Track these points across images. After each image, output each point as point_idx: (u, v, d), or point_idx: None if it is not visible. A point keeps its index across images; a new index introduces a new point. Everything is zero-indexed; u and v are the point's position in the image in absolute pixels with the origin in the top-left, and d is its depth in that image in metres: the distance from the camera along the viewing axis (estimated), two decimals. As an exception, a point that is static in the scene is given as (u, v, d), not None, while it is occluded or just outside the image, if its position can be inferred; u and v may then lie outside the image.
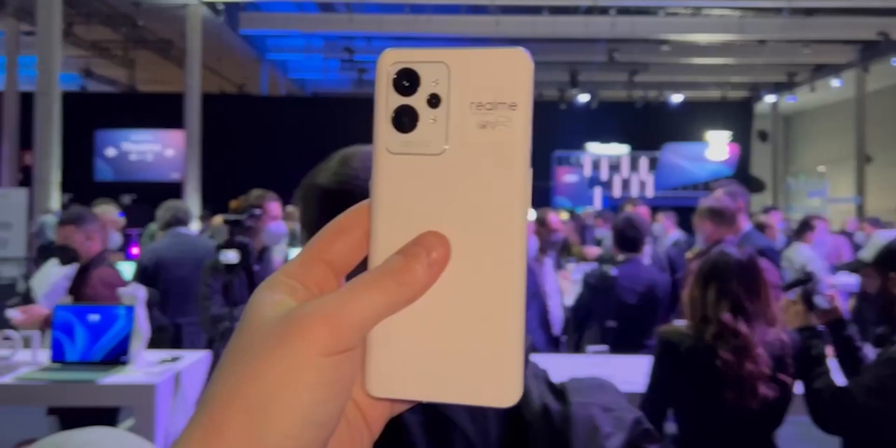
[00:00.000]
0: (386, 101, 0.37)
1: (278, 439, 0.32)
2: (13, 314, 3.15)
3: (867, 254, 2.36)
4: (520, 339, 0.35)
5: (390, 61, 0.37)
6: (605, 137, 18.40)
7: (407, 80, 0.36)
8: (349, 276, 0.39)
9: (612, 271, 3.62)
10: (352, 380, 0.35)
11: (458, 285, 0.36)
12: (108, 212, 4.88)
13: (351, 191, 0.91)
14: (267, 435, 0.32)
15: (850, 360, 2.38)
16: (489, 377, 0.35)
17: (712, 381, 2.18)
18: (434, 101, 0.36)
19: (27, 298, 3.44)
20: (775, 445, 2.28)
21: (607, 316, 3.50)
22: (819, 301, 2.37)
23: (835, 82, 16.35)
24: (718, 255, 2.31)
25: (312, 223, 0.97)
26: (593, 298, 3.67)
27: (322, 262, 0.37)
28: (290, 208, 7.22)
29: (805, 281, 2.43)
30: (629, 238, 3.67)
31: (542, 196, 16.97)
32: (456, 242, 0.36)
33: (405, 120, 0.36)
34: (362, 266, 0.38)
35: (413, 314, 0.36)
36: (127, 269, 4.31)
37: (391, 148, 0.37)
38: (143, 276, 4.09)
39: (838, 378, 2.25)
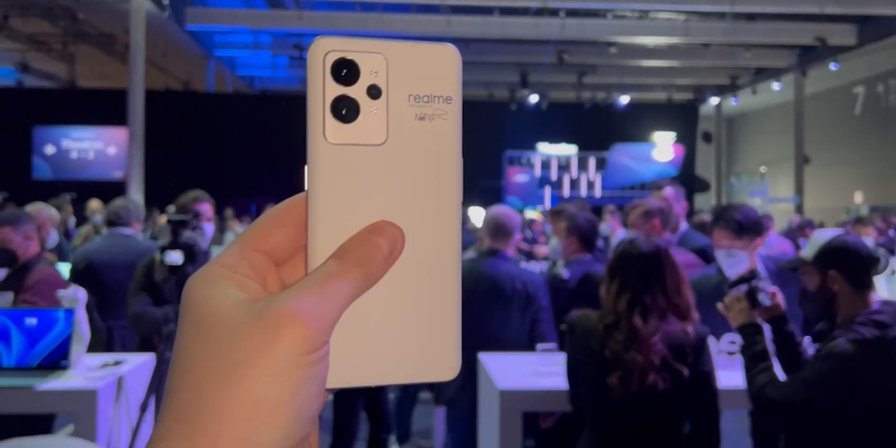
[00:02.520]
0: (323, 90, 0.36)
1: (279, 440, 0.32)
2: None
3: (807, 252, 2.43)
4: (457, 317, 0.37)
5: (325, 50, 0.36)
6: (554, 138, 18.60)
7: (346, 70, 0.36)
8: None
9: (564, 273, 3.63)
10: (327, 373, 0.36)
11: (399, 272, 0.37)
12: (46, 208, 4.71)
13: None
14: (268, 437, 0.32)
15: (790, 356, 2.45)
16: (432, 355, 0.36)
17: (600, 365, 2.25)
18: (374, 92, 0.37)
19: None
20: (680, 431, 2.33)
21: (559, 318, 3.50)
22: (762, 298, 2.43)
23: (775, 85, 16.84)
24: (625, 247, 2.39)
25: None
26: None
27: (259, 253, 0.37)
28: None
29: (749, 278, 2.49)
30: (591, 239, 3.69)
31: (494, 196, 17.06)
32: None
33: (346, 110, 0.36)
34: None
35: (359, 304, 0.36)
36: (66, 270, 4.16)
37: (330, 138, 0.36)
38: (74, 278, 3.96)
39: (780, 373, 2.31)
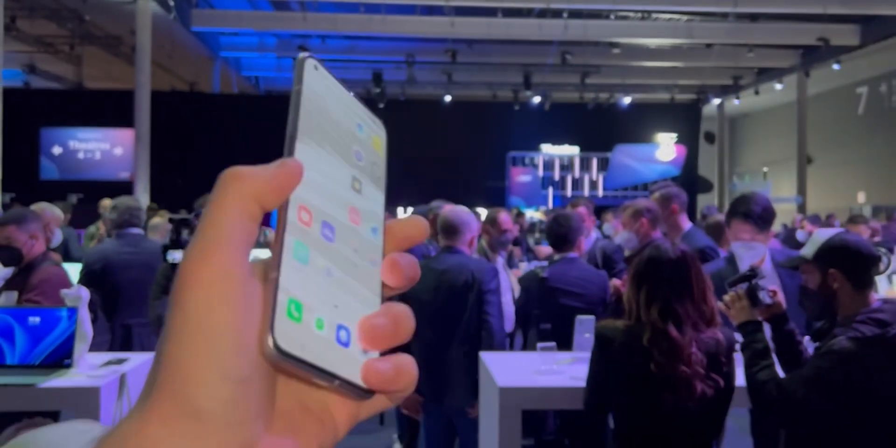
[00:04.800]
0: None
1: (217, 374, 0.29)
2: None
3: (807, 250, 2.44)
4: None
5: None
6: (557, 138, 18.59)
7: None
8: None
9: (544, 273, 3.63)
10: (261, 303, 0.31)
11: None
12: (50, 208, 4.73)
13: None
14: (201, 364, 0.28)
15: (790, 355, 2.45)
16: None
17: (646, 380, 2.22)
18: None
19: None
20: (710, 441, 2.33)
21: (542, 318, 3.51)
22: (763, 296, 2.43)
23: (777, 86, 16.81)
24: (651, 253, 2.34)
25: None
26: (528, 300, 3.68)
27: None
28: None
29: (750, 277, 2.49)
30: (559, 236, 3.69)
31: (497, 196, 17.06)
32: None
33: None
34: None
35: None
36: (72, 269, 4.18)
37: None
38: (90, 277, 3.99)
39: (780, 372, 2.31)
